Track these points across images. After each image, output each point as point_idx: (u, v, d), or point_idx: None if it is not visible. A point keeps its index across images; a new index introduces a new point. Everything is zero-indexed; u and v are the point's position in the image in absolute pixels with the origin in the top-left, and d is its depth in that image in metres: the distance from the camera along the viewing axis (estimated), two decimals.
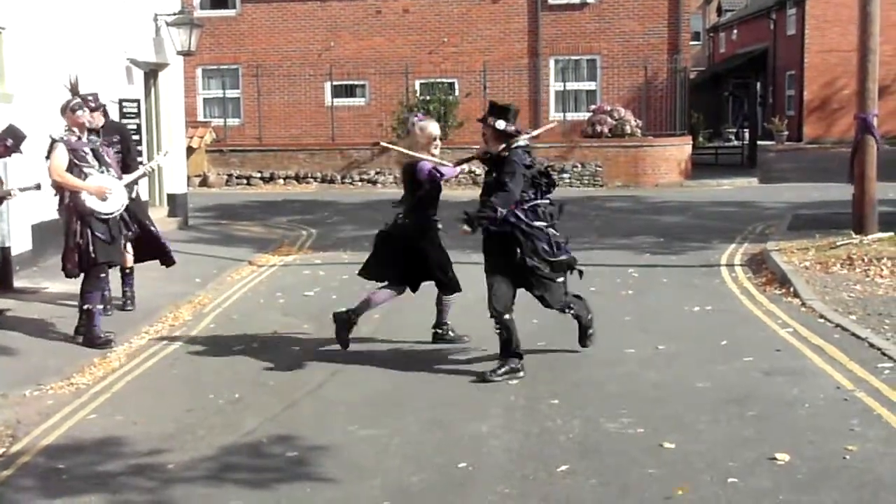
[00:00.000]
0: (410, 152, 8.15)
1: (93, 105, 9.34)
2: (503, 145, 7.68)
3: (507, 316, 7.54)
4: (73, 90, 8.80)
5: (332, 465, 5.78)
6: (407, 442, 6.18)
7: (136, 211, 9.61)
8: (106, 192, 8.53)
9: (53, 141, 8.54)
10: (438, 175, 8.11)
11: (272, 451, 6.06)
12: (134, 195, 9.74)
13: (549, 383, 7.38)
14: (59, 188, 8.59)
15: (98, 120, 9.59)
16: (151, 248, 9.91)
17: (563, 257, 7.73)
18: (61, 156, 8.46)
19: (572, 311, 8.05)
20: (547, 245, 7.60)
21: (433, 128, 8.37)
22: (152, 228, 9.93)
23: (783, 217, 16.83)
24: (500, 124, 7.65)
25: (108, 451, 6.12)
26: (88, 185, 8.47)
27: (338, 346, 8.45)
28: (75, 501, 5.39)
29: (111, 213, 8.61)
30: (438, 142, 8.35)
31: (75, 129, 8.60)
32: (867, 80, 13.25)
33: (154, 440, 6.28)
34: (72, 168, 8.47)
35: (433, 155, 8.23)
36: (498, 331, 7.61)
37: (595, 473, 5.54)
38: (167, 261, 10.00)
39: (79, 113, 8.59)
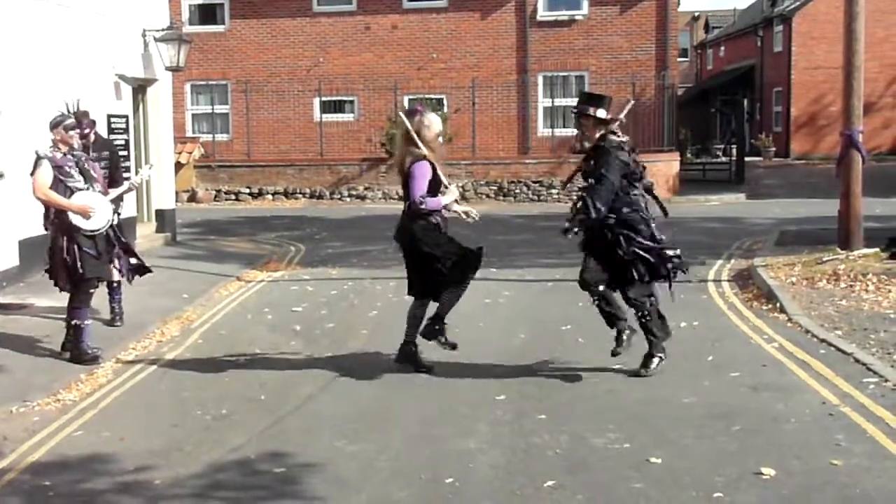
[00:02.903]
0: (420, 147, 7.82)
1: (87, 129, 9.43)
2: (599, 134, 7.70)
3: (598, 287, 7.72)
4: (74, 115, 8.80)
5: (320, 481, 5.78)
6: (394, 457, 6.17)
7: (121, 226, 9.63)
8: (90, 211, 8.51)
9: (38, 157, 8.53)
10: (420, 203, 7.76)
11: (259, 468, 6.05)
12: (121, 210, 9.76)
13: (536, 399, 7.39)
14: (45, 204, 8.58)
15: (91, 137, 9.70)
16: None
17: (669, 251, 7.71)
18: (45, 173, 8.43)
19: (645, 318, 7.88)
20: (648, 234, 7.65)
21: (438, 123, 8.08)
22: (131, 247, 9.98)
23: (770, 233, 16.91)
24: (601, 113, 7.67)
25: (95, 468, 6.11)
26: (72, 204, 8.43)
27: (325, 362, 8.47)
28: None
29: (96, 231, 8.59)
30: (441, 138, 8.12)
31: (61, 147, 8.58)
32: (852, 96, 13.34)
33: (141, 457, 6.26)
34: (57, 184, 8.45)
35: (433, 151, 7.92)
36: (596, 303, 7.85)
37: (582, 489, 5.55)
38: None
39: (71, 133, 8.57)
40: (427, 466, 5.98)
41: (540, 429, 6.65)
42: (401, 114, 8.18)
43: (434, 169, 7.78)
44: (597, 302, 7.86)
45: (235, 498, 5.62)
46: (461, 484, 5.68)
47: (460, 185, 24.83)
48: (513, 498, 5.47)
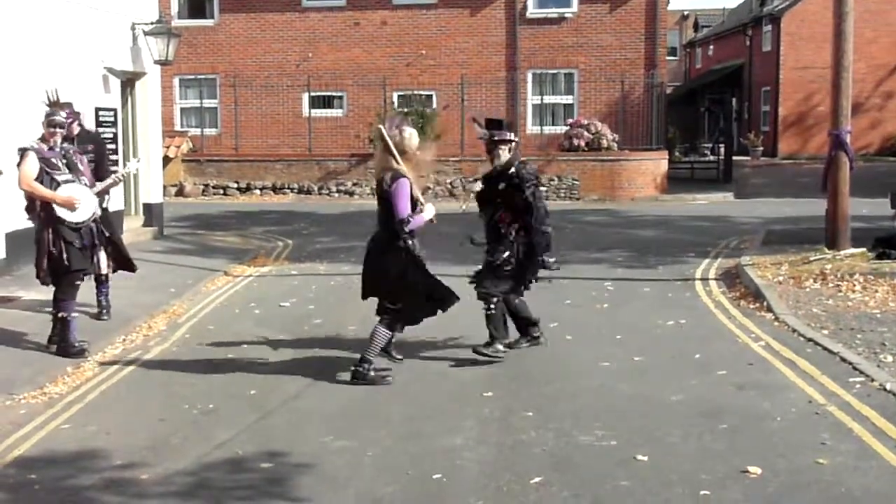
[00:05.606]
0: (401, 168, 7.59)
1: (69, 120, 9.34)
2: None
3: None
4: (53, 104, 8.75)
5: (306, 477, 5.77)
6: (381, 454, 6.17)
7: (108, 220, 9.59)
8: (75, 204, 8.47)
9: (24, 150, 8.50)
10: (406, 223, 7.53)
11: (246, 463, 6.04)
12: (106, 204, 9.69)
13: (524, 395, 7.40)
14: (30, 196, 8.55)
15: (74, 129, 9.59)
16: (118, 258, 9.85)
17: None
18: (31, 165, 8.40)
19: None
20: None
21: (416, 136, 7.83)
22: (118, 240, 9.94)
23: (757, 232, 16.95)
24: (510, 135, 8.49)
25: (81, 463, 6.08)
26: (57, 196, 8.40)
27: (313, 358, 8.48)
28: None
29: (81, 223, 8.56)
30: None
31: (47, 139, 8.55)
32: (841, 96, 13.37)
33: (127, 451, 6.24)
34: (43, 176, 8.41)
35: (415, 165, 7.75)
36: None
37: (568, 486, 5.56)
38: (131, 267, 9.96)
39: (52, 130, 8.53)
40: (414, 463, 5.98)
41: (527, 426, 6.66)
42: (379, 126, 7.83)
43: (411, 186, 7.56)
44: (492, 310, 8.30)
45: (222, 494, 5.60)
46: (448, 480, 5.69)
47: (448, 181, 24.92)
48: (499, 494, 5.48)
